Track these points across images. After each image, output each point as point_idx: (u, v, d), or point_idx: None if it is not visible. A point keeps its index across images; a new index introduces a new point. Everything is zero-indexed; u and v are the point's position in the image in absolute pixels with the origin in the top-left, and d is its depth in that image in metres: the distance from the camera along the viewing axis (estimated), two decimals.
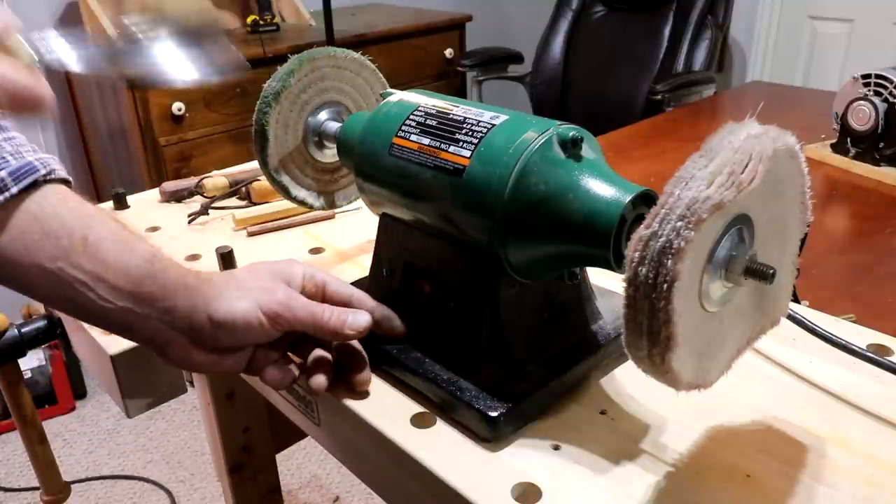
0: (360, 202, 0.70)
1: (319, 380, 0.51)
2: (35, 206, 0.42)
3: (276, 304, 0.48)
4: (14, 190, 0.41)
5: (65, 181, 0.45)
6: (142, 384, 0.62)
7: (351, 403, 0.51)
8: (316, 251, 0.76)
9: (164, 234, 0.81)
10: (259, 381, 0.63)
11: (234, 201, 0.89)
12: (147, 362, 0.62)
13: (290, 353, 0.54)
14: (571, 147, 0.47)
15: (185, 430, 1.96)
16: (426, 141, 0.52)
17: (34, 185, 0.42)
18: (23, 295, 0.45)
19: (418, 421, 0.50)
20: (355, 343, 0.54)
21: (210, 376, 0.85)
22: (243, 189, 0.89)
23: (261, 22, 2.25)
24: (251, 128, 0.65)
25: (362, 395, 0.52)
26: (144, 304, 0.45)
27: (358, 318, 0.51)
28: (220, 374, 0.62)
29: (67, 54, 0.45)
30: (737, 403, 0.50)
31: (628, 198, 0.44)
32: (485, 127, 0.50)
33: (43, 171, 0.43)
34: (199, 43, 0.50)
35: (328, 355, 0.53)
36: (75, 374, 2.06)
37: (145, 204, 0.90)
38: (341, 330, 0.50)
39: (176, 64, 0.49)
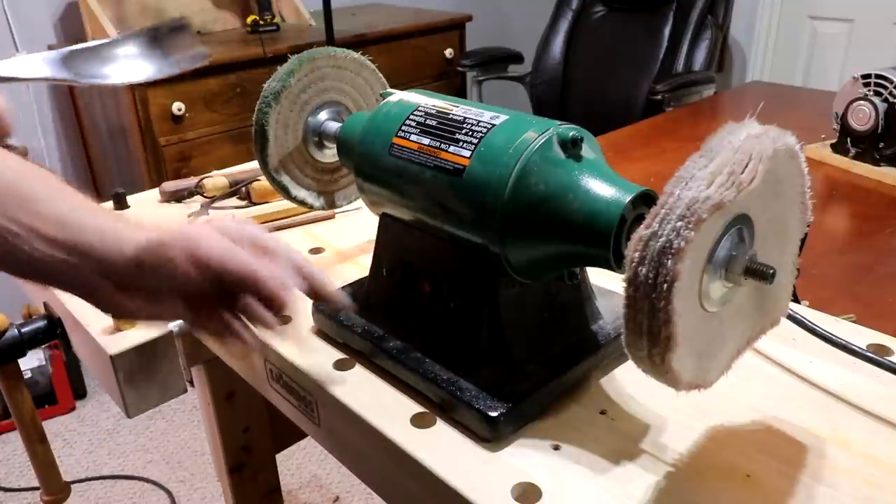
0: (360, 202, 0.70)
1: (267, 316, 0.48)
2: None
3: (204, 247, 0.46)
4: None
5: (8, 147, 0.46)
6: (142, 384, 0.62)
7: (351, 403, 0.51)
8: (316, 251, 0.76)
9: None
10: (259, 380, 0.63)
11: (234, 201, 0.89)
12: (147, 362, 0.62)
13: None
14: (571, 147, 0.47)
15: (185, 430, 1.96)
16: (426, 141, 0.52)
17: None
18: None
19: (418, 421, 0.50)
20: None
21: (210, 376, 0.85)
22: (243, 189, 0.89)
23: (261, 22, 2.25)
24: (251, 128, 0.65)
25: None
26: (65, 250, 0.44)
27: (297, 281, 0.49)
28: (156, 321, 0.60)
29: (12, 64, 0.46)
30: (737, 403, 0.50)
31: (628, 198, 0.44)
32: (485, 127, 0.50)
33: None
34: (159, 40, 0.50)
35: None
36: (75, 374, 2.06)
37: (145, 204, 0.90)
38: (275, 287, 0.47)
39: (131, 63, 0.49)
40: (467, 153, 0.49)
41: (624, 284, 0.37)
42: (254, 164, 0.93)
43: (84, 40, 2.24)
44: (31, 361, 1.99)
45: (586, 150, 0.48)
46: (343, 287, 0.63)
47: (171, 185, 0.91)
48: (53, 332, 0.70)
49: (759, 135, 0.38)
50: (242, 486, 0.95)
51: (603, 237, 0.44)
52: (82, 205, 0.46)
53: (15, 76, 0.47)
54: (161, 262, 0.46)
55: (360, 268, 0.71)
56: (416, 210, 0.54)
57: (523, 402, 0.48)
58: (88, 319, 0.64)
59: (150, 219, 0.48)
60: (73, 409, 2.05)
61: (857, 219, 1.08)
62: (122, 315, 0.51)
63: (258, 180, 0.87)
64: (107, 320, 0.63)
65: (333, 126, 0.65)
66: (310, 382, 0.55)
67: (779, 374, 0.53)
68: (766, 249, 0.41)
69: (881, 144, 1.17)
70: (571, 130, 0.47)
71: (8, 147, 0.47)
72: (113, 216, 0.47)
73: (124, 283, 0.46)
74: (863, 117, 1.17)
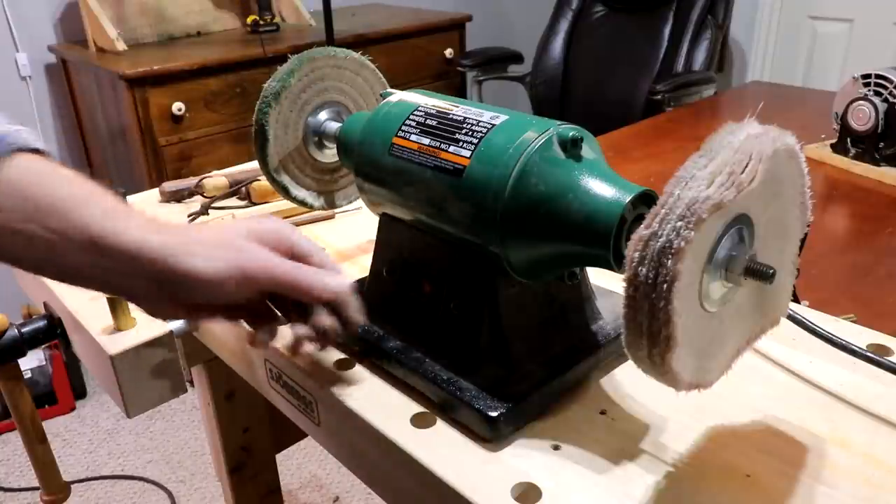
0: (360, 202, 0.70)
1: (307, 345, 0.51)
2: (7, 173, 0.44)
3: (251, 265, 0.47)
4: None
5: (37, 151, 0.46)
6: (142, 384, 0.62)
7: (351, 403, 0.51)
8: None
9: None
10: (259, 380, 0.63)
11: (234, 201, 0.89)
12: (147, 362, 0.62)
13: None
14: (571, 147, 0.47)
15: (185, 430, 1.96)
16: (426, 141, 0.52)
17: (8, 155, 0.44)
18: None
19: (418, 421, 0.50)
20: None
21: (210, 376, 0.85)
22: (243, 189, 0.89)
23: (261, 22, 2.25)
24: (251, 128, 0.65)
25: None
26: (113, 260, 0.45)
27: (337, 280, 0.50)
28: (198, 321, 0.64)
29: None
30: (737, 403, 0.50)
31: (628, 198, 0.44)
32: (485, 127, 0.50)
33: (14, 143, 0.44)
34: None
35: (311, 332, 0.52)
36: (75, 374, 2.06)
37: (145, 204, 0.90)
38: (321, 292, 0.49)
39: None
40: (467, 153, 0.49)
41: (624, 284, 0.37)
42: (254, 164, 0.93)
43: (84, 40, 2.23)
44: (31, 361, 1.99)
45: (586, 150, 0.48)
46: None
47: (171, 185, 0.91)
48: (53, 332, 0.70)
49: (759, 135, 0.38)
50: (242, 486, 0.95)
51: (603, 237, 0.44)
52: (118, 208, 0.46)
53: None
54: (225, 287, 0.47)
55: (360, 268, 0.71)
56: (416, 210, 0.54)
57: (523, 402, 0.48)
58: (88, 319, 0.64)
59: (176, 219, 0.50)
60: (73, 409, 2.05)
61: (857, 219, 1.08)
62: (163, 318, 0.53)
63: (258, 180, 0.87)
64: (107, 320, 0.63)
65: (333, 126, 0.65)
66: (310, 382, 0.55)
67: (779, 373, 0.53)
68: (766, 249, 0.41)
69: (881, 144, 1.17)
70: (571, 130, 0.47)
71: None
72: (149, 218, 0.47)
73: (176, 294, 0.47)
74: (863, 117, 1.17)
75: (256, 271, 0.47)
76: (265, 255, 0.48)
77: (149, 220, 0.47)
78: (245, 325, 0.54)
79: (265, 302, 0.52)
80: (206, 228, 0.50)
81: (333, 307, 0.51)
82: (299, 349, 0.51)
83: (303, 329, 0.51)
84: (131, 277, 0.46)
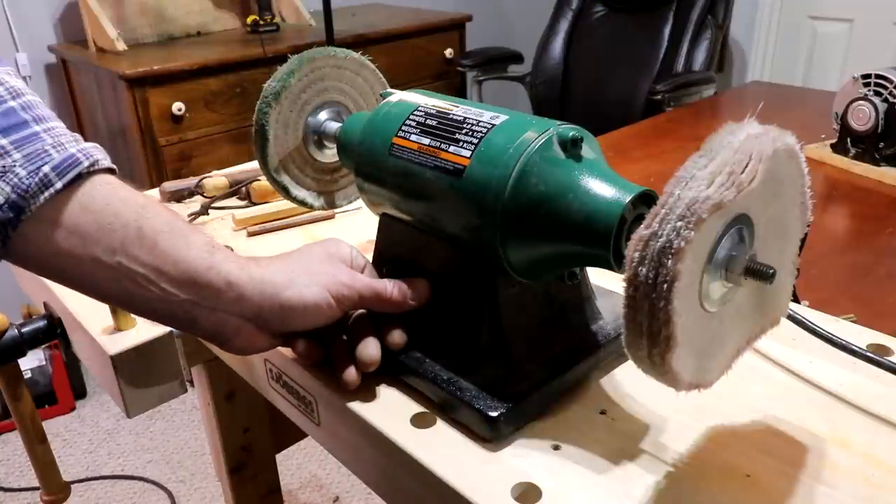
0: (360, 202, 0.70)
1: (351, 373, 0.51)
2: (86, 199, 0.41)
3: (341, 285, 0.49)
4: (59, 185, 0.40)
5: (110, 170, 0.44)
6: (142, 384, 0.62)
7: (351, 403, 0.51)
8: None
9: None
10: (259, 380, 0.63)
11: (234, 201, 0.89)
12: (147, 362, 0.62)
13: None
14: (571, 147, 0.47)
15: (185, 430, 1.96)
16: (426, 141, 0.52)
17: (79, 178, 0.41)
18: (80, 293, 0.44)
19: (418, 421, 0.50)
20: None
21: (210, 376, 0.85)
22: (243, 189, 0.89)
23: (261, 22, 2.25)
24: (251, 128, 0.65)
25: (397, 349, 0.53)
26: (210, 295, 0.44)
27: (417, 287, 0.52)
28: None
29: None
30: (737, 403, 0.50)
31: (628, 198, 0.44)
32: (485, 127, 0.50)
33: (87, 163, 0.42)
34: None
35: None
36: (75, 374, 2.06)
37: None
38: (405, 300, 0.51)
39: None
40: (467, 153, 0.49)
41: (624, 284, 0.37)
42: (254, 164, 0.93)
43: (84, 40, 2.24)
44: (31, 361, 1.99)
45: (586, 150, 0.48)
46: None
47: (171, 185, 0.91)
48: (53, 332, 0.70)
49: (759, 135, 0.38)
50: (242, 486, 0.95)
51: (603, 237, 0.44)
52: (208, 241, 0.45)
53: None
54: (321, 310, 0.48)
55: None
56: (416, 210, 0.54)
57: (523, 402, 0.48)
58: (88, 319, 0.64)
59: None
60: (73, 409, 2.05)
61: (857, 219, 1.08)
62: (248, 353, 0.50)
63: (258, 180, 0.87)
64: (107, 320, 0.63)
65: (333, 126, 0.65)
66: (310, 382, 0.55)
67: (779, 373, 0.53)
68: (766, 249, 0.41)
69: (881, 144, 1.17)
70: (571, 130, 0.47)
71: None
72: (235, 255, 0.47)
73: (270, 326, 0.47)
74: (863, 117, 1.17)
75: (344, 290, 0.49)
76: (347, 274, 0.50)
77: (243, 258, 0.47)
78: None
79: (338, 326, 0.52)
80: (288, 259, 0.50)
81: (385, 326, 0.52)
82: (349, 378, 0.51)
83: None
84: (226, 313, 0.45)
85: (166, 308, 0.44)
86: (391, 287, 0.51)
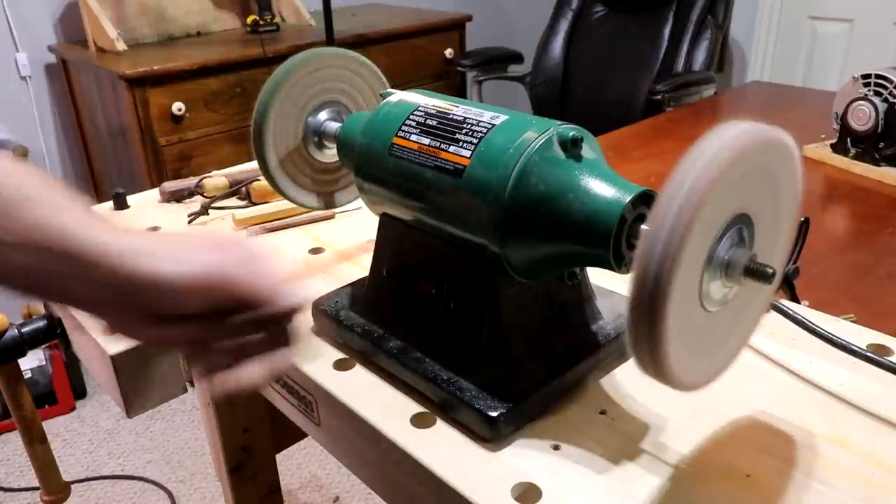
0: (360, 202, 0.70)
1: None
2: None
3: (226, 268, 0.43)
4: None
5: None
6: (142, 384, 0.62)
7: (351, 403, 0.51)
8: (316, 251, 0.76)
9: None
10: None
11: (234, 201, 0.89)
12: (147, 362, 0.62)
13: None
14: (571, 147, 0.47)
15: (185, 430, 1.96)
16: (426, 141, 0.52)
17: None
18: None
19: (418, 421, 0.50)
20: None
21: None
22: (243, 189, 0.89)
23: (261, 22, 2.25)
24: (251, 128, 0.65)
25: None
26: (73, 262, 0.41)
27: (298, 294, 0.45)
28: (167, 348, 0.57)
29: None
30: (737, 403, 0.50)
31: (628, 198, 0.44)
32: (485, 127, 0.50)
33: None
34: None
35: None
36: (75, 374, 2.06)
37: (145, 204, 0.90)
38: (279, 302, 0.44)
39: None
40: (467, 153, 0.49)
41: (626, 284, 0.37)
42: (254, 164, 0.93)
43: (84, 40, 2.23)
44: (31, 361, 1.99)
45: (586, 150, 0.48)
46: (343, 287, 0.63)
47: (171, 185, 0.91)
48: (53, 332, 0.70)
49: (750, 131, 0.37)
50: (242, 486, 0.95)
51: (603, 237, 0.44)
52: (75, 207, 0.42)
53: None
54: (198, 290, 0.43)
55: (360, 268, 0.71)
56: (416, 210, 0.54)
57: (523, 402, 0.48)
58: (88, 319, 0.64)
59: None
60: (73, 409, 2.05)
61: (857, 219, 1.08)
62: (135, 338, 0.46)
63: (258, 180, 0.87)
64: None
65: (333, 126, 0.65)
66: (310, 382, 0.55)
67: (779, 373, 0.53)
68: (765, 249, 0.41)
69: (881, 144, 1.17)
70: (571, 130, 0.47)
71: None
72: (110, 222, 0.43)
73: (142, 305, 0.43)
74: (863, 117, 1.17)
75: (227, 274, 0.43)
76: (237, 259, 0.44)
77: (110, 223, 0.43)
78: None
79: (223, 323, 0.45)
80: (169, 235, 0.47)
81: (275, 331, 0.45)
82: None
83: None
84: (89, 283, 0.41)
85: (20, 276, 0.41)
86: (281, 286, 0.44)
